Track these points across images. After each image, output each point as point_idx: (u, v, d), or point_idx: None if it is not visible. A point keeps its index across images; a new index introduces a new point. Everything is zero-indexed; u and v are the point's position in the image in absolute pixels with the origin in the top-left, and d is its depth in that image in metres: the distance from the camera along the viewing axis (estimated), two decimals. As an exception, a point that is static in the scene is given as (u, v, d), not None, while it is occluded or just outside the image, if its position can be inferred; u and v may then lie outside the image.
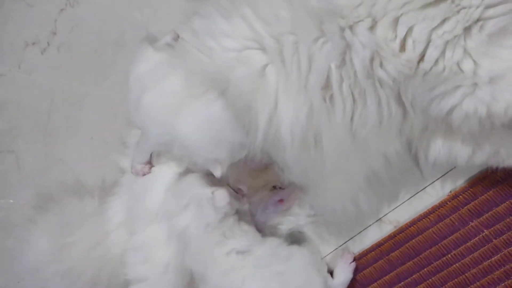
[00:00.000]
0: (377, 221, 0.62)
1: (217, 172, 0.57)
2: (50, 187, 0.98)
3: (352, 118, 0.52)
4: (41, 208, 0.90)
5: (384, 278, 0.60)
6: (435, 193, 0.58)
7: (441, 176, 0.57)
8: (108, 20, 0.96)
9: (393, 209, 0.61)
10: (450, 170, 0.56)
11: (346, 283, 0.62)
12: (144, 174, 0.71)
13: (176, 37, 0.77)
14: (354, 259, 0.63)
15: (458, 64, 0.43)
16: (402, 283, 0.59)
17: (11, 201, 1.10)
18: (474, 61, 0.43)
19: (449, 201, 0.56)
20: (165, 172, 0.68)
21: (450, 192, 0.57)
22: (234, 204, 0.63)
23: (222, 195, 0.60)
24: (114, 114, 0.92)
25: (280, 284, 0.56)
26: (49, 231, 0.80)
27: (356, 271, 0.62)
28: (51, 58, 1.09)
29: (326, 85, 0.50)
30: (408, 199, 0.60)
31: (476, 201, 0.54)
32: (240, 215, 0.65)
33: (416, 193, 0.59)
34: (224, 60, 0.55)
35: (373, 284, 0.61)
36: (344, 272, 0.62)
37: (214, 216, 0.61)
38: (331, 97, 0.51)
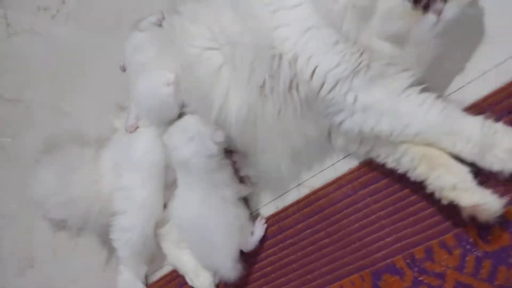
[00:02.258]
0: (298, 185, 0.84)
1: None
2: (56, 135, 1.20)
3: (279, 112, 0.72)
4: (47, 152, 1.11)
5: (298, 226, 0.83)
6: (340, 168, 0.79)
7: (344, 157, 0.78)
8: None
9: (310, 177, 0.83)
10: (350, 154, 0.77)
11: (258, 239, 0.84)
12: (130, 132, 0.92)
13: (162, 18, 0.96)
14: (266, 221, 0.85)
15: (344, 95, 0.64)
16: (309, 230, 0.81)
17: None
18: (355, 95, 0.63)
19: (348, 175, 0.78)
20: (145, 133, 0.89)
21: (349, 169, 0.78)
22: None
23: (220, 132, 0.76)
24: (114, 77, 1.08)
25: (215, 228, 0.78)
26: (53, 170, 1.01)
27: (278, 222, 0.85)
28: (60, 24, 1.27)
29: (262, 88, 0.70)
30: (321, 171, 0.81)
31: (364, 177, 0.76)
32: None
33: (328, 167, 0.81)
34: (191, 52, 0.74)
35: (290, 230, 0.83)
36: (258, 230, 0.84)
37: (214, 149, 0.77)
38: (265, 95, 0.71)
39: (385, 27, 0.60)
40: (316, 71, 0.64)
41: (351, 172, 0.77)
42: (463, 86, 0.68)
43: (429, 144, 0.63)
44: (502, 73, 0.65)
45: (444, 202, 0.63)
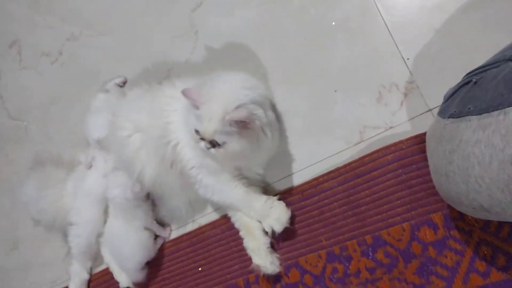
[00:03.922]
0: (192, 221, 1.22)
1: None
2: (41, 153, 1.60)
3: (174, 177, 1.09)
4: (34, 167, 1.53)
5: (187, 250, 1.22)
6: (214, 216, 1.18)
7: (215, 210, 1.17)
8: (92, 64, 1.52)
9: (200, 217, 1.21)
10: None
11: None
12: (87, 168, 1.32)
13: (124, 81, 1.36)
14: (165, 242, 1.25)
15: (196, 175, 1.01)
16: (192, 254, 1.20)
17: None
18: (201, 178, 1.01)
19: (219, 221, 1.16)
20: (95, 172, 1.28)
21: (220, 216, 1.16)
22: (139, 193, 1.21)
23: (137, 185, 1.12)
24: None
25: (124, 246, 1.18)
26: (34, 184, 1.41)
27: (175, 244, 1.24)
28: (56, 69, 1.65)
29: (170, 163, 1.07)
30: (204, 215, 1.19)
31: (226, 225, 1.14)
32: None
33: (209, 213, 1.19)
34: (122, 134, 1.11)
35: (181, 251, 1.22)
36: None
37: (130, 195, 1.16)
38: (171, 166, 1.08)
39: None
40: (185, 157, 1.01)
41: (221, 219, 1.16)
42: (282, 178, 1.07)
43: (242, 212, 1.03)
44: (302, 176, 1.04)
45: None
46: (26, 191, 1.41)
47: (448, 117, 0.70)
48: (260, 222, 1.02)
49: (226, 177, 1.00)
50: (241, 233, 1.06)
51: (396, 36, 0.97)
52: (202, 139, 0.88)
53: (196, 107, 0.85)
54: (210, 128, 0.84)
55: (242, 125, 0.83)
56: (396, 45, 0.97)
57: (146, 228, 1.20)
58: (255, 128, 0.87)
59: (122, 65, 1.43)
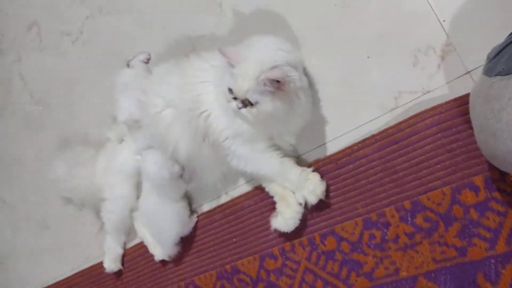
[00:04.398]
0: (226, 193, 1.23)
1: None
2: (68, 133, 1.62)
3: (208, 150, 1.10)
4: (62, 147, 1.54)
5: (221, 221, 1.23)
6: (247, 187, 1.18)
7: (248, 181, 1.17)
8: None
9: (232, 190, 1.22)
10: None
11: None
12: (120, 142, 1.33)
13: (149, 57, 1.36)
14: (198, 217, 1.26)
15: (229, 146, 1.01)
16: (227, 224, 1.22)
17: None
18: (235, 148, 1.01)
19: (252, 192, 1.17)
20: (126, 148, 1.29)
21: (254, 187, 1.17)
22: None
23: (176, 166, 1.13)
24: (111, 97, 1.46)
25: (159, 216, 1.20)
26: (64, 163, 1.43)
27: (208, 217, 1.25)
28: (78, 48, 1.65)
29: (203, 136, 1.07)
30: (237, 187, 1.20)
31: (261, 195, 1.15)
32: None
33: (242, 185, 1.20)
34: (153, 111, 1.11)
35: (215, 223, 1.24)
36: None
37: (167, 175, 1.14)
38: (203, 139, 1.08)
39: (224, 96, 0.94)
40: (217, 128, 1.01)
41: (254, 190, 1.16)
42: (315, 148, 1.07)
43: (276, 183, 1.03)
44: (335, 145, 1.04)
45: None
46: (56, 170, 1.43)
47: (496, 75, 0.69)
48: (294, 192, 1.02)
49: (261, 147, 1.00)
50: (275, 198, 1.06)
51: (431, -4, 0.95)
52: (235, 98, 0.88)
53: (232, 66, 0.86)
54: (244, 86, 0.85)
55: (277, 86, 0.84)
56: (431, 6, 0.94)
57: (182, 201, 1.22)
58: (289, 91, 0.87)
59: (145, 43, 1.41)
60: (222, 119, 1.00)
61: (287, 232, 1.05)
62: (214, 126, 1.02)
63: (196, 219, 1.26)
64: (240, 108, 0.89)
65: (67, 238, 1.65)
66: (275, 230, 1.07)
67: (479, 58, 0.88)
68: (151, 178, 1.18)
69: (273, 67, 0.84)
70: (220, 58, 0.89)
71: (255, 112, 0.88)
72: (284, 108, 0.89)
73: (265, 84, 0.84)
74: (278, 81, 0.83)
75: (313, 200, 1.00)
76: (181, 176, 1.18)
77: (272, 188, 1.06)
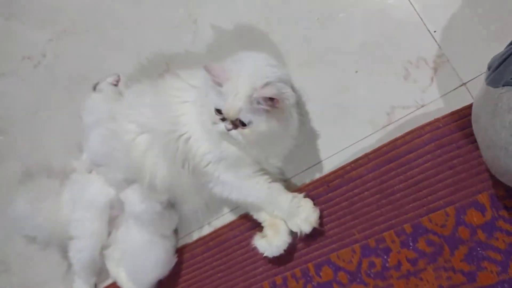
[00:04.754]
0: (208, 224, 1.13)
1: None
2: (31, 165, 1.48)
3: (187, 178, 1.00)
4: (23, 181, 1.40)
5: (204, 255, 1.12)
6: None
7: (233, 208, 1.08)
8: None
9: (215, 219, 1.12)
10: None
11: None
12: (89, 172, 1.20)
13: (118, 79, 1.25)
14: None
15: (212, 172, 0.92)
16: (210, 259, 1.11)
17: None
18: (219, 174, 0.92)
19: (238, 220, 1.07)
20: (96, 178, 1.16)
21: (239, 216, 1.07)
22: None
23: (162, 197, 1.03)
24: (76, 124, 1.35)
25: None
26: (27, 199, 1.28)
27: (190, 250, 1.14)
28: (40, 73, 1.53)
29: (182, 162, 0.97)
30: (221, 216, 1.10)
31: (243, 226, 1.05)
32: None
33: (226, 213, 1.10)
34: (127, 137, 1.00)
35: (198, 257, 1.13)
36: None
37: (159, 206, 1.04)
38: (182, 165, 0.98)
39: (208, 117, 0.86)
40: (199, 152, 0.92)
41: (239, 219, 1.07)
42: (304, 170, 1.00)
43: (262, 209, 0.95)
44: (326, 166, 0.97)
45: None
46: (17, 207, 1.28)
47: (504, 85, 0.64)
48: (284, 221, 0.94)
49: (247, 172, 0.92)
50: (264, 224, 0.97)
51: (419, 7, 0.90)
52: (223, 119, 0.81)
53: (219, 84, 0.78)
54: (235, 105, 0.77)
55: (271, 104, 0.78)
56: (420, 16, 0.90)
57: (172, 238, 1.12)
58: (284, 108, 0.81)
59: (114, 64, 1.31)
60: (204, 142, 0.92)
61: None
62: (194, 150, 0.93)
63: (176, 259, 1.14)
64: (229, 130, 0.80)
65: (31, 281, 1.48)
66: (264, 259, 0.98)
67: (475, 69, 0.84)
68: (141, 218, 1.06)
69: (266, 84, 0.78)
70: (204, 76, 0.81)
71: (247, 133, 0.80)
72: (279, 127, 0.82)
73: (258, 103, 0.77)
74: (272, 99, 0.77)
75: (306, 229, 0.92)
76: (171, 205, 1.08)
77: (260, 216, 0.97)
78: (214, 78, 0.78)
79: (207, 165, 0.92)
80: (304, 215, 0.91)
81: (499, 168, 0.67)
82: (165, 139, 0.94)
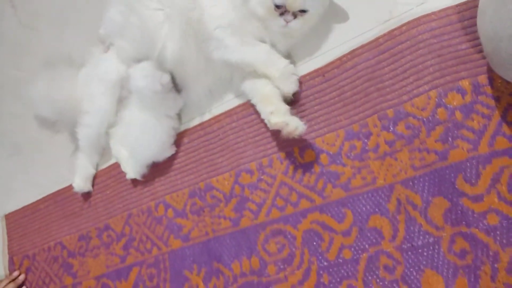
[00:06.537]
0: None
1: None
2: (54, 54, 1.57)
3: (197, 55, 1.07)
4: (45, 67, 1.49)
5: (201, 139, 1.19)
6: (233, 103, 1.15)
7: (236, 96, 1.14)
8: None
9: (215, 107, 1.18)
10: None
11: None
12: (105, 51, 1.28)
13: None
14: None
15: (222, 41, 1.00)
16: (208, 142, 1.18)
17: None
18: (223, 37, 1.00)
19: (237, 108, 1.14)
20: (110, 56, 1.24)
21: (238, 104, 1.14)
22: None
23: (166, 76, 1.09)
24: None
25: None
26: (46, 80, 1.39)
27: (189, 135, 1.21)
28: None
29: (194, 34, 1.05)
30: (222, 104, 1.17)
31: (245, 111, 1.12)
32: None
33: (228, 101, 1.16)
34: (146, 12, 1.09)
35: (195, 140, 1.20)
36: None
37: (158, 87, 1.08)
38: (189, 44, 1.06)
39: (255, 9, 0.95)
40: (212, 15, 1.00)
41: (237, 107, 1.13)
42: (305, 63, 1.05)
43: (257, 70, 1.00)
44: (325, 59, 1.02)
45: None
46: (36, 87, 1.39)
47: None
48: (278, 88, 1.00)
49: (250, 39, 1.00)
50: (254, 100, 1.04)
51: None
52: (282, 14, 0.90)
53: None
54: None
55: None
56: None
57: (174, 120, 1.19)
58: None
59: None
60: (220, 7, 1.00)
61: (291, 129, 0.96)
62: (207, 14, 1.00)
63: (175, 149, 1.21)
64: (289, 22, 0.91)
65: (39, 162, 1.58)
66: (253, 144, 1.07)
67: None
68: (143, 94, 1.13)
69: None
70: None
71: (301, 23, 0.92)
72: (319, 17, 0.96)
73: None
74: None
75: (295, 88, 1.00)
76: (174, 88, 1.15)
77: (254, 89, 1.03)
78: None
79: (216, 28, 1.00)
80: (295, 77, 1.01)
81: (499, 58, 0.71)
82: (181, 8, 1.03)
